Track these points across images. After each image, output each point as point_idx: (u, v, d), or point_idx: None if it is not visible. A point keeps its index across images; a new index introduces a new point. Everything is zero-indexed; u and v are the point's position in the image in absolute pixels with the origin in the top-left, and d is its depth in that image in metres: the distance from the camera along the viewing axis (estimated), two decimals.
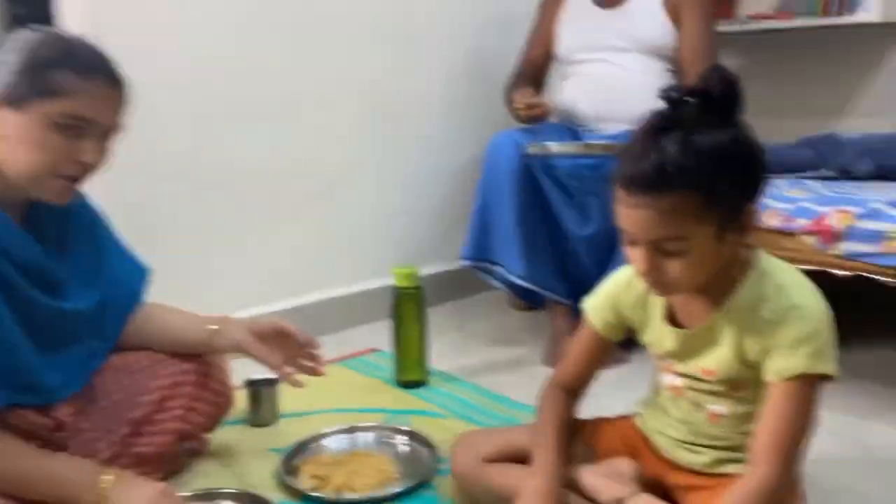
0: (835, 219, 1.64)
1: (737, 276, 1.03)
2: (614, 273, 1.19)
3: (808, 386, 0.98)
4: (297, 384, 1.38)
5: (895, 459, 1.44)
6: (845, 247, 1.62)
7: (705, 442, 1.12)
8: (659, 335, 1.13)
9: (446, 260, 2.44)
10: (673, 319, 1.11)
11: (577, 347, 1.24)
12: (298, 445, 1.46)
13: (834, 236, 1.63)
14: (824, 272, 1.67)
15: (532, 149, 1.87)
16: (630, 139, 0.98)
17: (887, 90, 2.41)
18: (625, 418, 1.26)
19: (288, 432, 1.54)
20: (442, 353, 1.99)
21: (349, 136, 2.27)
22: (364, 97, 2.27)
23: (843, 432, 1.54)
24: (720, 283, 1.03)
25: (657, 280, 0.99)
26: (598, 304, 1.20)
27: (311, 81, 2.15)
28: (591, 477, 1.14)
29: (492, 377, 1.88)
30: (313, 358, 1.42)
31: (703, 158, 0.92)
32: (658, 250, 0.96)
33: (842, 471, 1.39)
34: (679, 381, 1.13)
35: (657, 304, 1.13)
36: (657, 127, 0.95)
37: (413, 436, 1.49)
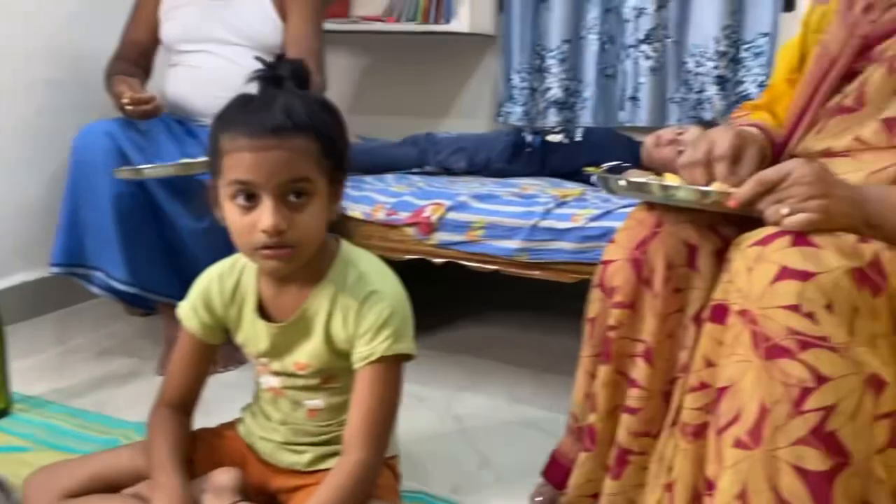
0: (430, 211, 1.77)
1: (324, 265, 1.06)
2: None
3: (391, 368, 1.04)
4: None
5: (484, 426, 1.61)
6: (439, 237, 1.76)
7: (306, 440, 1.13)
8: (252, 333, 1.10)
9: (39, 267, 2.14)
10: (264, 315, 1.09)
11: (178, 356, 1.15)
12: None
13: (430, 227, 1.76)
14: (424, 260, 1.81)
15: (121, 173, 1.67)
16: (237, 100, 1.00)
17: (478, 94, 2.70)
18: (228, 426, 1.20)
19: None
20: (33, 374, 1.75)
21: None
22: None
23: (439, 406, 1.68)
24: (310, 272, 1.05)
25: (282, 239, 0.96)
26: (191, 305, 1.13)
27: None
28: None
29: (96, 395, 1.69)
30: None
31: (317, 108, 0.99)
32: (284, 201, 0.95)
33: (437, 442, 1.51)
34: (276, 381, 1.12)
35: (249, 298, 1.10)
36: (269, 83, 0.99)
37: None
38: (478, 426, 1.60)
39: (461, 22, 2.44)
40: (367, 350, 1.03)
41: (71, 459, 1.19)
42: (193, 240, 1.81)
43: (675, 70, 2.39)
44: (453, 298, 2.32)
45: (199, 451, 1.14)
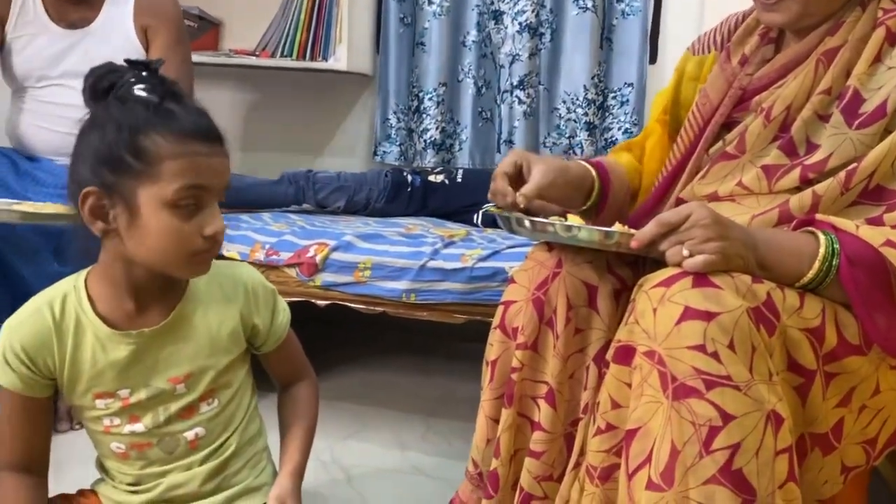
0: (314, 251, 1.70)
1: None
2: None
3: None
4: None
5: (372, 475, 1.55)
6: (323, 277, 1.70)
7: (200, 491, 1.02)
8: (104, 361, 0.96)
9: None
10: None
11: (5, 419, 0.98)
12: None
13: (314, 268, 1.70)
14: (308, 302, 1.73)
15: None
16: (143, 104, 0.90)
17: (356, 132, 2.67)
18: (89, 493, 1.07)
19: None
20: None
21: None
22: None
23: (324, 456, 1.60)
24: (173, 280, 1.00)
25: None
26: (5, 361, 0.95)
27: None
28: None
29: None
30: None
31: None
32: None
33: (324, 496, 1.44)
34: (140, 427, 0.99)
35: (88, 327, 0.96)
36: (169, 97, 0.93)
37: None
38: (365, 475, 1.54)
39: (339, 60, 2.40)
40: (276, 334, 1.08)
41: None
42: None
43: (546, 115, 2.47)
44: (332, 342, 2.25)
45: None
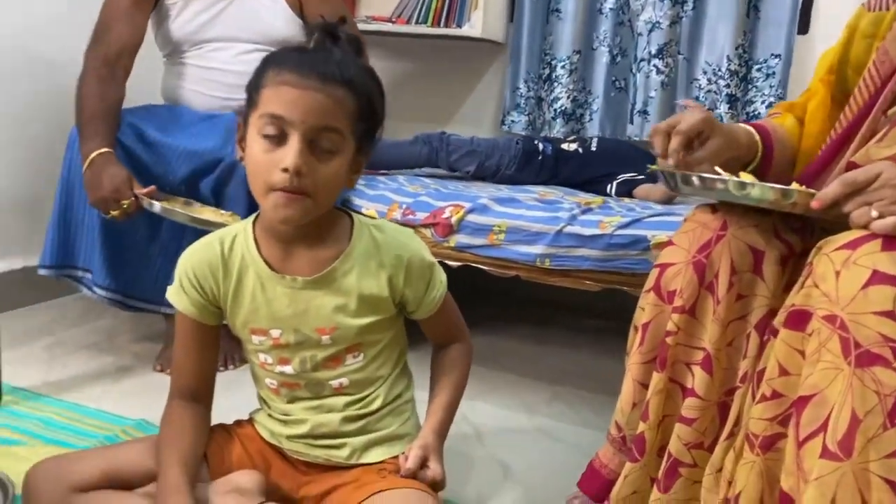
0: (450, 212, 1.72)
1: (341, 230, 1.04)
2: None
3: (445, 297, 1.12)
4: None
5: (501, 435, 1.55)
6: (458, 239, 1.71)
7: (342, 430, 1.06)
8: (262, 300, 1.02)
9: (26, 255, 2.03)
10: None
11: (179, 345, 1.07)
12: None
13: (449, 229, 1.71)
14: (441, 263, 1.75)
15: (125, 206, 1.53)
16: (293, 47, 1.00)
17: (483, 101, 2.66)
18: (245, 423, 1.13)
19: None
20: (21, 366, 1.64)
21: None
22: None
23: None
24: (320, 235, 1.02)
25: (300, 184, 0.92)
26: (178, 285, 1.04)
27: None
28: (213, 497, 0.99)
29: (89, 390, 1.59)
30: None
31: (366, 73, 0.99)
32: (311, 147, 0.93)
33: (456, 452, 1.45)
34: (289, 369, 1.04)
35: (251, 265, 1.02)
36: (327, 37, 0.98)
37: None
38: (495, 433, 1.55)
39: (473, 27, 2.40)
40: (428, 306, 1.09)
41: (78, 452, 1.10)
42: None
43: (685, 86, 2.38)
44: (466, 305, 2.26)
45: (212, 451, 1.06)
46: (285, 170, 0.91)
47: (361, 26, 2.52)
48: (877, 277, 0.82)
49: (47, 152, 2.00)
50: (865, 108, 1.14)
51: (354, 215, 1.07)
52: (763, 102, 2.31)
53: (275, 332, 1.03)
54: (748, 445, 0.94)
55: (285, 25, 1.89)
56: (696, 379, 1.05)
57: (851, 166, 1.13)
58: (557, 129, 2.50)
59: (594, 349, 2.02)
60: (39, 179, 2.06)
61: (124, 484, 1.02)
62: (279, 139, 0.92)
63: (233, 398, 1.17)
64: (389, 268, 1.04)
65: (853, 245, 0.86)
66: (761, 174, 1.20)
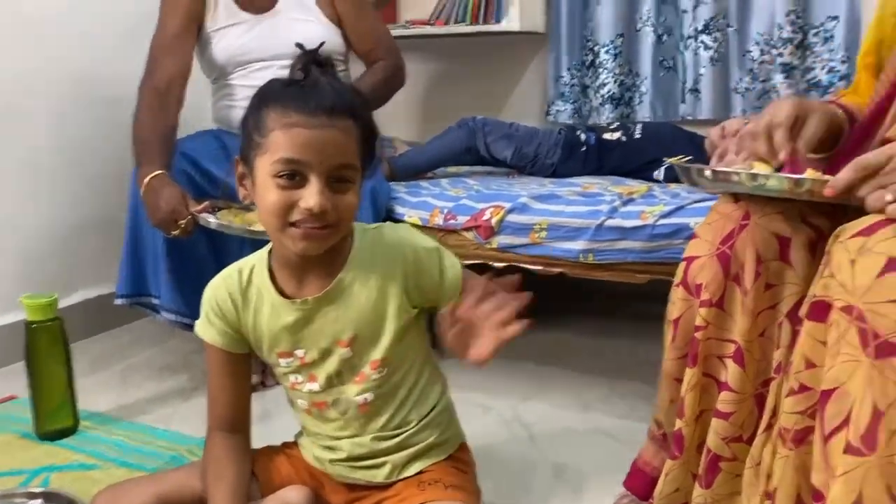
0: (490, 214, 1.72)
1: (346, 244, 1.04)
2: None
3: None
4: None
5: (554, 434, 1.55)
6: (500, 240, 1.71)
7: (378, 448, 1.08)
8: (277, 324, 1.04)
9: (100, 284, 2.16)
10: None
11: (212, 376, 1.11)
12: None
13: (490, 230, 1.71)
14: (484, 265, 1.76)
15: (183, 224, 1.59)
16: (279, 81, 0.98)
17: (528, 92, 2.65)
18: (293, 445, 1.17)
19: None
20: (99, 391, 1.76)
21: None
22: None
23: (506, 415, 1.63)
24: (332, 255, 1.02)
25: (323, 220, 0.94)
26: (204, 318, 1.08)
27: None
28: None
29: (160, 410, 1.68)
30: None
31: (357, 95, 1.00)
32: (329, 184, 0.94)
33: (507, 452, 1.46)
34: (316, 386, 1.06)
35: (265, 294, 1.05)
36: (314, 66, 0.98)
37: (50, 497, 1.25)
38: (547, 435, 1.54)
39: (511, 21, 2.39)
40: (449, 290, 1.04)
41: (137, 478, 1.18)
42: None
43: (737, 59, 2.30)
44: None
45: (265, 469, 1.11)
46: (308, 209, 0.92)
47: (402, 31, 2.57)
48: (892, 264, 0.78)
49: (115, 185, 2.12)
50: None
51: (356, 224, 1.07)
52: (823, 68, 2.21)
53: (299, 352, 1.06)
54: (781, 440, 0.92)
55: (323, 35, 1.92)
56: (730, 372, 1.03)
57: (886, 142, 1.08)
58: (607, 116, 2.46)
59: (655, 339, 1.98)
60: (107, 212, 2.18)
61: None
62: (296, 180, 0.93)
63: (272, 425, 1.21)
64: (397, 266, 1.04)
65: (868, 231, 0.82)
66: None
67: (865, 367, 0.78)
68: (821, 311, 0.86)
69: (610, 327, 2.15)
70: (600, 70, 2.46)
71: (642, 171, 2.05)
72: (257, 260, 1.08)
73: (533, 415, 1.63)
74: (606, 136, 2.14)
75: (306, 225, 0.94)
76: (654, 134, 2.10)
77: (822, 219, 1.01)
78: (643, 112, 2.44)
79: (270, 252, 1.07)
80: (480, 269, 1.75)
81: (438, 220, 1.78)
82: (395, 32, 2.53)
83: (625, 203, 1.65)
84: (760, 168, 0.97)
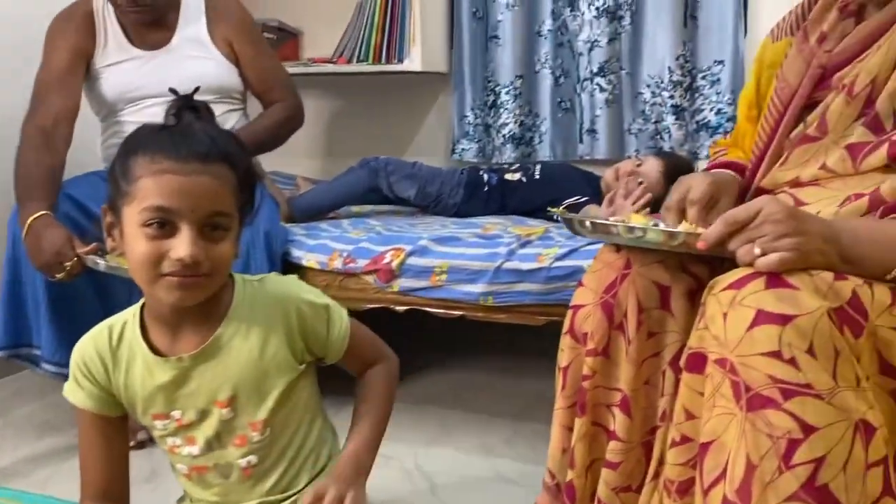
0: (390, 257, 1.70)
1: (226, 296, 1.00)
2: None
3: (352, 327, 1.06)
4: None
5: (456, 482, 1.53)
6: (401, 283, 1.70)
7: None
8: (151, 384, 0.98)
9: None
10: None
11: (83, 442, 1.02)
12: None
13: (391, 274, 1.70)
14: (386, 308, 1.74)
15: (69, 267, 1.51)
16: (150, 126, 0.94)
17: (433, 132, 2.66)
18: None
19: None
20: None
21: None
22: None
23: (407, 463, 1.59)
24: (210, 307, 0.98)
25: (195, 270, 0.89)
26: (72, 380, 1.01)
27: None
28: None
29: (37, 473, 1.57)
30: None
31: (233, 140, 0.96)
32: (203, 232, 0.90)
33: (409, 501, 1.43)
34: (196, 450, 1.01)
35: (138, 351, 0.98)
36: (188, 112, 0.95)
37: None
38: (450, 485, 1.52)
39: (413, 61, 2.40)
40: (335, 346, 1.04)
41: None
42: None
43: (630, 101, 2.38)
44: (417, 346, 2.24)
45: None
46: (180, 260, 0.88)
47: (303, 69, 2.54)
48: (761, 317, 0.81)
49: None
50: (772, 132, 1.14)
51: (236, 276, 1.03)
52: (712, 110, 2.31)
53: (176, 414, 1.00)
54: (666, 491, 0.93)
55: (221, 74, 1.89)
56: (617, 422, 1.04)
57: (761, 191, 1.12)
58: (508, 155, 2.50)
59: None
60: None
61: None
62: (166, 229, 0.89)
63: (160, 486, 1.15)
64: (280, 321, 1.00)
65: (738, 284, 0.84)
66: None
67: (739, 420, 0.80)
68: (697, 362, 0.88)
69: (515, 367, 2.16)
70: (502, 110, 2.50)
71: (543, 211, 2.07)
72: (130, 315, 1.02)
73: (435, 463, 1.60)
74: (508, 176, 2.17)
75: (180, 275, 0.89)
76: (552, 174, 2.14)
77: (701, 267, 1.04)
78: (543, 152, 2.48)
79: (143, 305, 1.01)
80: (382, 313, 1.74)
81: (337, 264, 1.75)
82: (297, 70, 2.52)
83: (522, 245, 1.66)
84: (637, 220, 0.99)
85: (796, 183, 1.05)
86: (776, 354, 0.79)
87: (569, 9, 2.39)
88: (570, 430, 1.10)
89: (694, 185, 1.03)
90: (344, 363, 1.08)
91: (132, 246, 0.91)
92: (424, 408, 1.85)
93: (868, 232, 0.88)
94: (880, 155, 0.95)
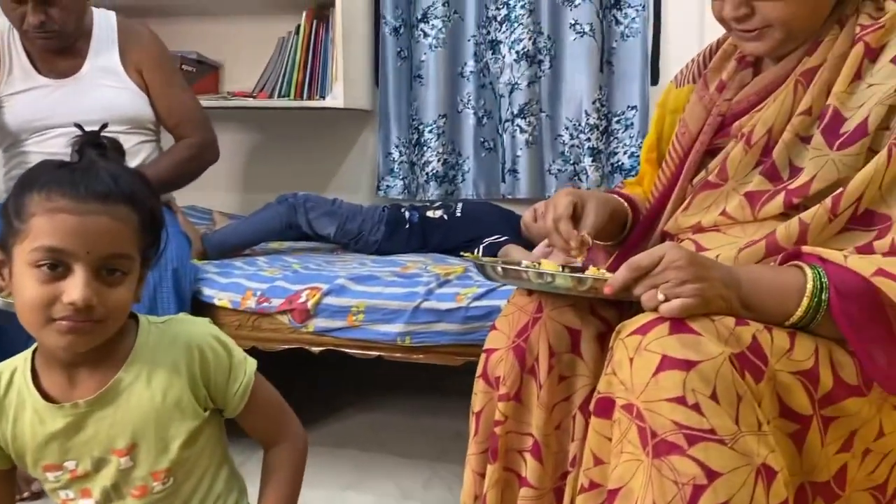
0: (305, 296, 1.67)
1: (127, 340, 0.94)
2: None
3: (256, 381, 1.00)
4: None
5: None
6: (316, 323, 1.66)
7: None
8: (42, 434, 0.91)
9: None
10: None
11: None
12: None
13: (306, 314, 1.66)
14: (302, 349, 1.70)
15: None
16: (48, 163, 0.89)
17: (358, 168, 2.65)
18: None
19: None
20: None
21: None
22: None
23: None
24: (108, 351, 0.92)
25: (88, 314, 0.83)
26: None
27: None
28: None
29: None
30: None
31: (138, 180, 0.92)
32: (99, 275, 0.85)
33: None
34: (92, 502, 0.94)
35: (27, 400, 0.92)
36: (92, 150, 0.91)
37: None
38: None
39: (336, 98, 2.39)
40: (233, 403, 0.98)
41: None
42: None
43: (550, 142, 2.42)
44: (334, 385, 2.20)
45: None
46: (72, 303, 0.82)
47: (223, 103, 2.49)
48: (666, 362, 0.81)
49: None
50: (673, 177, 1.16)
51: (141, 317, 0.97)
52: (625, 153, 2.37)
53: (70, 465, 0.93)
54: None
55: (133, 104, 1.84)
56: (528, 467, 1.03)
57: (665, 235, 1.15)
58: (432, 192, 2.50)
59: None
60: None
61: None
62: (59, 271, 0.83)
63: None
64: (184, 363, 0.94)
65: (644, 330, 0.85)
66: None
67: (645, 467, 0.80)
68: (606, 407, 0.88)
69: (434, 406, 2.13)
70: (426, 148, 2.51)
71: (463, 249, 2.07)
72: (21, 360, 0.95)
73: None
74: (429, 213, 2.17)
75: (71, 320, 0.84)
76: (473, 213, 2.15)
77: (610, 311, 1.05)
78: (467, 190, 2.50)
79: (35, 350, 0.95)
80: (297, 353, 1.69)
81: (251, 304, 1.70)
82: (216, 103, 2.47)
83: (441, 284, 1.65)
84: (547, 266, 0.99)
85: (698, 228, 1.08)
86: (681, 400, 0.80)
87: (490, 51, 2.44)
88: (483, 476, 1.08)
89: (556, 202, 1.09)
90: (244, 425, 1.02)
91: (21, 287, 0.85)
92: (340, 451, 1.80)
93: (767, 279, 0.90)
94: (777, 203, 0.98)
